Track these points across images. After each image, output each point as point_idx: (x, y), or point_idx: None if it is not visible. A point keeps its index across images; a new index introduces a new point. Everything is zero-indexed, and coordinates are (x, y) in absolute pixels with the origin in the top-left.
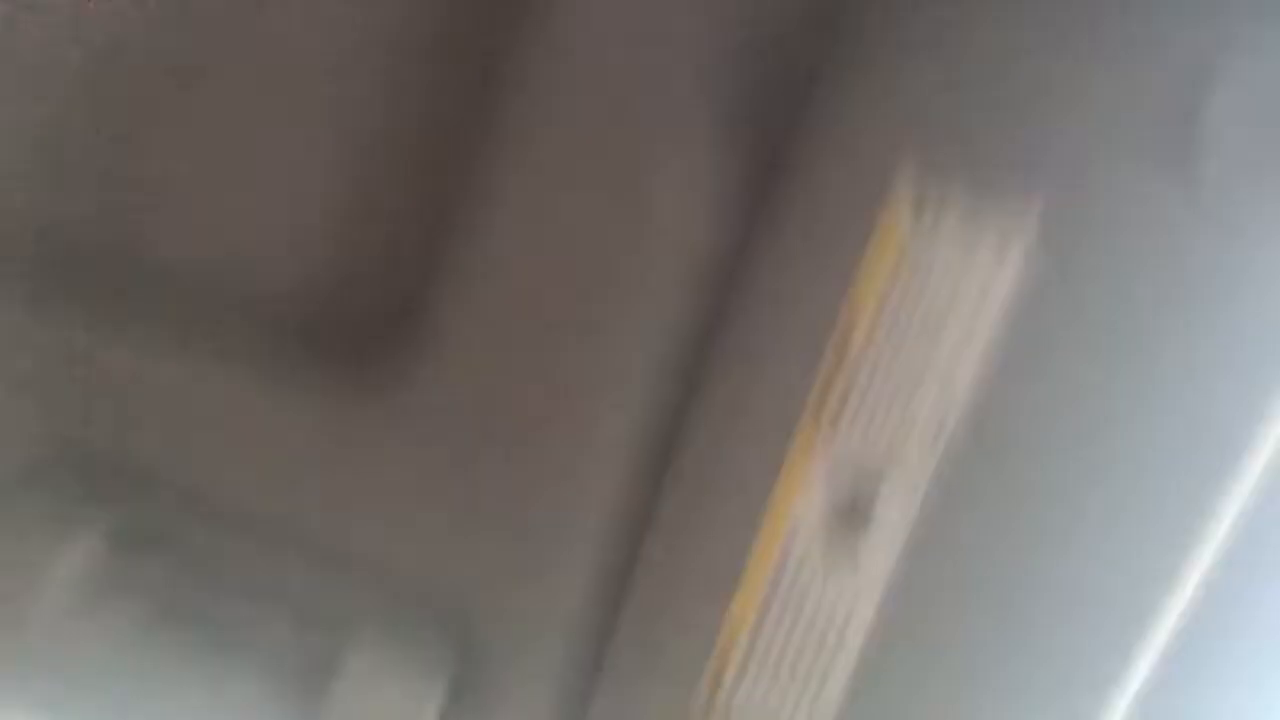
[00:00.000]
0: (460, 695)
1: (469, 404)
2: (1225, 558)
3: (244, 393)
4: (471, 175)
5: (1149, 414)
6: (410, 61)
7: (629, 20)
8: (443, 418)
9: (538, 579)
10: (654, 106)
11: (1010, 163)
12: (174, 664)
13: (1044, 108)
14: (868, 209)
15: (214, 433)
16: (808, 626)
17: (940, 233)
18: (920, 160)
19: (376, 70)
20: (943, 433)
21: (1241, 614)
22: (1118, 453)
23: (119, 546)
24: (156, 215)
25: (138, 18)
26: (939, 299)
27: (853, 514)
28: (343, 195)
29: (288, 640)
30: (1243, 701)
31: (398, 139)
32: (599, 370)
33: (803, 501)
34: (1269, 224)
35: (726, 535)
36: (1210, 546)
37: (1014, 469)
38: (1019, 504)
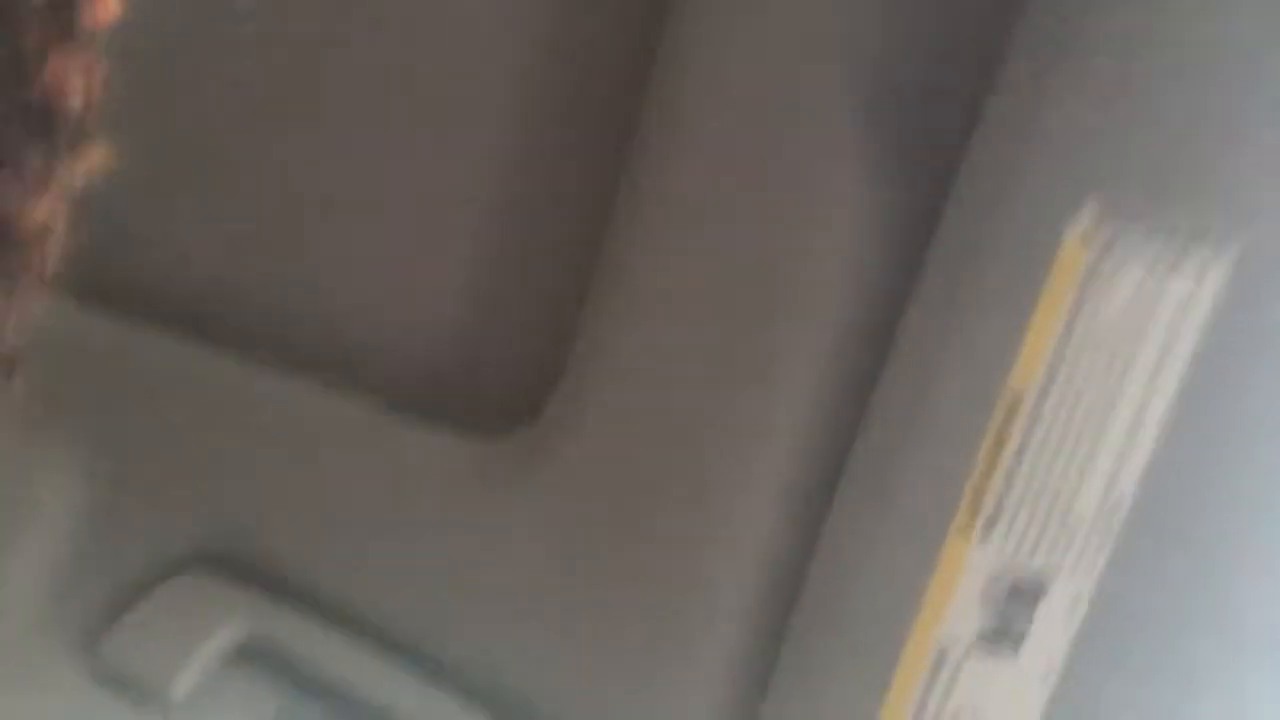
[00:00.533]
0: None
1: (612, 469)
2: None
3: (375, 476)
4: (613, 229)
5: None
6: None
7: (780, 45)
8: (581, 488)
9: (672, 677)
10: (810, 139)
11: (1201, 202)
12: None
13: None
14: (1041, 253)
15: (347, 521)
16: None
17: (1122, 279)
18: (1102, 199)
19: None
20: (1117, 513)
21: None
22: None
23: (245, 657)
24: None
25: None
26: (1117, 352)
27: (1008, 629)
28: (483, 258)
29: None
30: None
31: (541, 197)
32: (742, 440)
33: (953, 614)
34: None
35: (868, 652)
36: None
37: (1195, 549)
38: (1195, 591)
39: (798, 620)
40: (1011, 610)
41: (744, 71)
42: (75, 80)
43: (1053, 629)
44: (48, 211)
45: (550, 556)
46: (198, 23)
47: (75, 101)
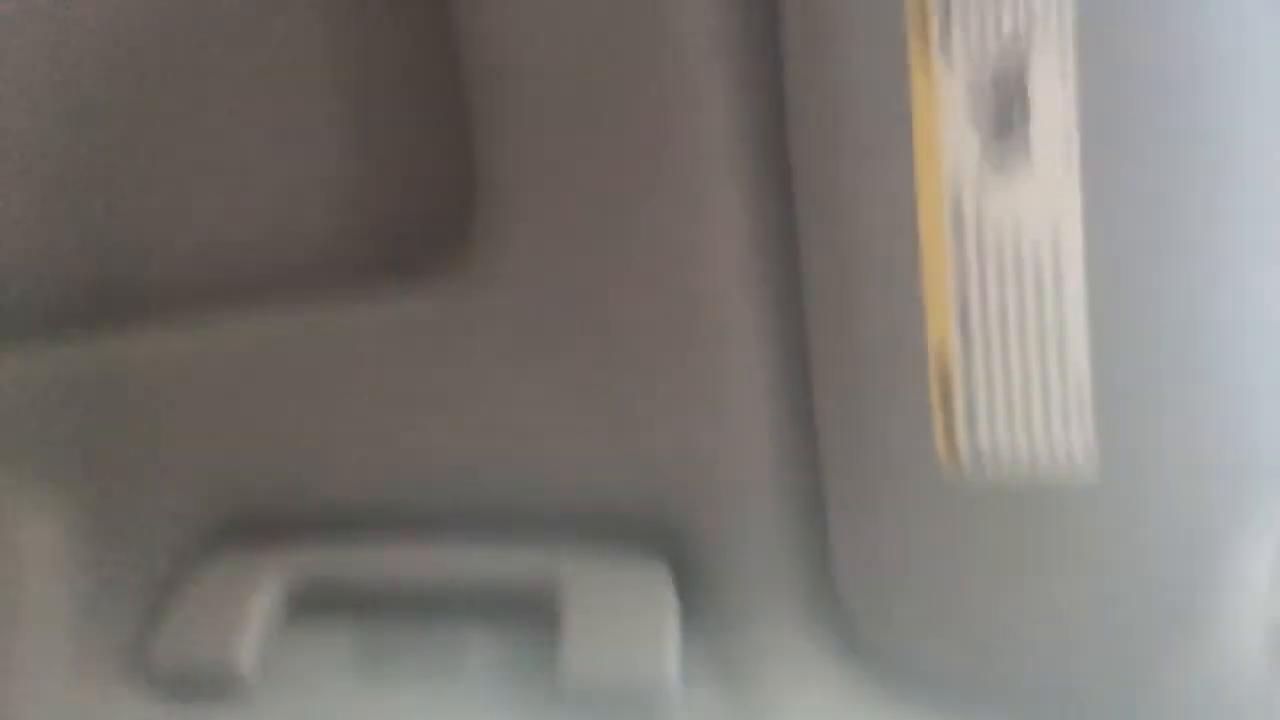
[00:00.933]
0: (694, 579)
1: (560, 258)
2: None
3: (340, 371)
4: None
5: None
6: None
7: None
8: (538, 286)
9: (719, 408)
10: None
11: None
12: (395, 690)
13: None
14: None
15: (336, 426)
16: (1017, 291)
17: None
18: None
19: None
20: None
21: None
22: None
23: (303, 603)
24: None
25: None
26: None
27: (1010, 126)
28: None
29: (497, 632)
30: None
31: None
32: (681, 167)
33: (951, 141)
34: None
35: (885, 222)
36: None
37: None
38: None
39: (803, 226)
40: (1003, 103)
41: None
42: None
43: (1052, 109)
44: None
45: (530, 359)
46: None
47: None
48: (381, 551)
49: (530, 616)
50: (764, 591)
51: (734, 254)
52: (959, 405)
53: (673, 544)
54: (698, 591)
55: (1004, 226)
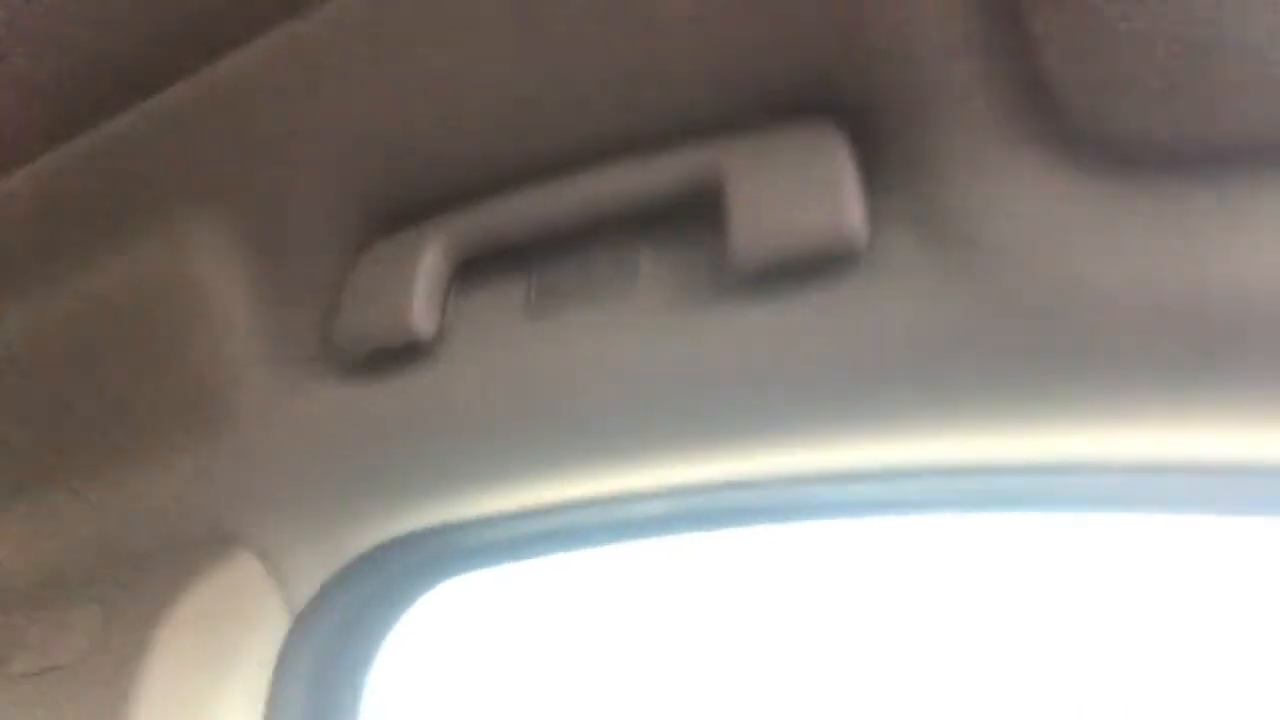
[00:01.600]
0: (874, 136)
1: None
2: None
3: None
4: None
5: None
6: None
7: None
8: None
9: None
10: None
11: None
12: (568, 322)
13: None
14: None
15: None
16: None
17: None
18: None
19: None
20: None
21: None
22: None
23: (472, 263)
24: None
25: None
26: None
27: None
28: None
29: (670, 248)
30: None
31: None
32: None
33: None
34: None
35: None
36: None
37: None
38: None
39: None
40: None
41: None
42: None
43: None
44: None
45: None
46: None
47: None
48: (537, 191)
49: (702, 221)
50: (955, 120)
51: None
52: None
53: (842, 104)
54: (882, 147)
55: None
